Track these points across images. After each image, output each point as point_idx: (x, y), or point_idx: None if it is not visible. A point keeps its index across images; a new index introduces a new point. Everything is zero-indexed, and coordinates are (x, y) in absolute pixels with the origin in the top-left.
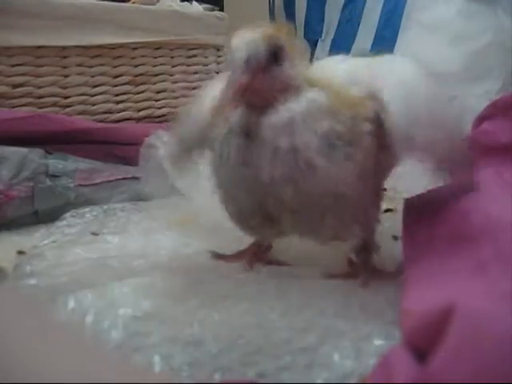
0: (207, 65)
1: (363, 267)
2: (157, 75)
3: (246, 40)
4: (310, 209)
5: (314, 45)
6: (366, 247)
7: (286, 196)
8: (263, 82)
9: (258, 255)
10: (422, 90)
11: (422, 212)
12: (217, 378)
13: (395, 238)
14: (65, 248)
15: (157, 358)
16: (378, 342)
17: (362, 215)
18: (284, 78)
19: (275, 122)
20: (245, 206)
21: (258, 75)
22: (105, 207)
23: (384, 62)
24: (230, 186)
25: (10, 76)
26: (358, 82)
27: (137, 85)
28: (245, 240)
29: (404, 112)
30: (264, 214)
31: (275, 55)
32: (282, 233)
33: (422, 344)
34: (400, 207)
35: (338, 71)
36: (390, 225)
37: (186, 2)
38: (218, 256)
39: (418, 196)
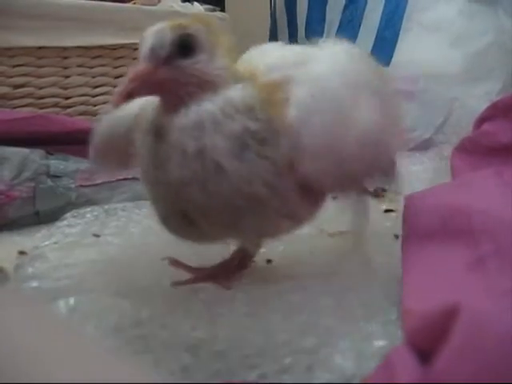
0: None
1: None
2: None
3: (155, 29)
4: (223, 210)
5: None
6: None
7: (196, 199)
8: (167, 74)
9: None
10: (333, 93)
11: (422, 210)
12: (218, 380)
13: (396, 236)
14: (66, 249)
15: (158, 361)
16: (379, 343)
17: (287, 210)
18: (196, 71)
19: (183, 123)
20: (163, 206)
21: (161, 66)
22: (106, 207)
23: (317, 52)
24: (149, 186)
25: (11, 77)
26: (280, 69)
27: None
28: None
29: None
30: (182, 215)
31: (185, 46)
32: (204, 235)
33: (425, 344)
34: (401, 208)
35: (267, 59)
36: (392, 224)
37: (187, 3)
38: (177, 263)
39: (419, 193)
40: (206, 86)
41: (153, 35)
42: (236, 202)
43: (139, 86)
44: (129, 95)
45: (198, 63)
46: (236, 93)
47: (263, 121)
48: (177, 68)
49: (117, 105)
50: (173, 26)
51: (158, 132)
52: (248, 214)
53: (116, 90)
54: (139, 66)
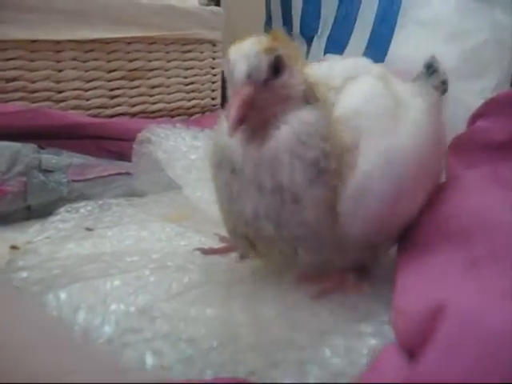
0: (203, 60)
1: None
2: (151, 70)
3: (247, 52)
4: (287, 241)
5: (310, 41)
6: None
7: (266, 231)
8: (266, 97)
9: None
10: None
11: None
12: (208, 375)
13: None
14: (58, 243)
15: (148, 355)
16: (370, 341)
17: (336, 247)
18: (285, 90)
19: (258, 158)
20: (231, 226)
21: (260, 88)
22: (100, 202)
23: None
24: (223, 214)
25: (3, 70)
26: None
27: (131, 80)
28: None
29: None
30: (246, 237)
31: (276, 68)
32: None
33: (414, 344)
34: None
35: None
36: None
37: None
38: (207, 251)
39: None
40: (290, 103)
41: (247, 58)
42: (300, 231)
43: (248, 110)
44: (241, 121)
45: (286, 81)
46: (310, 114)
47: (333, 145)
48: (272, 88)
49: (233, 133)
50: (266, 49)
51: (233, 167)
52: (303, 248)
53: (228, 117)
54: (242, 91)
